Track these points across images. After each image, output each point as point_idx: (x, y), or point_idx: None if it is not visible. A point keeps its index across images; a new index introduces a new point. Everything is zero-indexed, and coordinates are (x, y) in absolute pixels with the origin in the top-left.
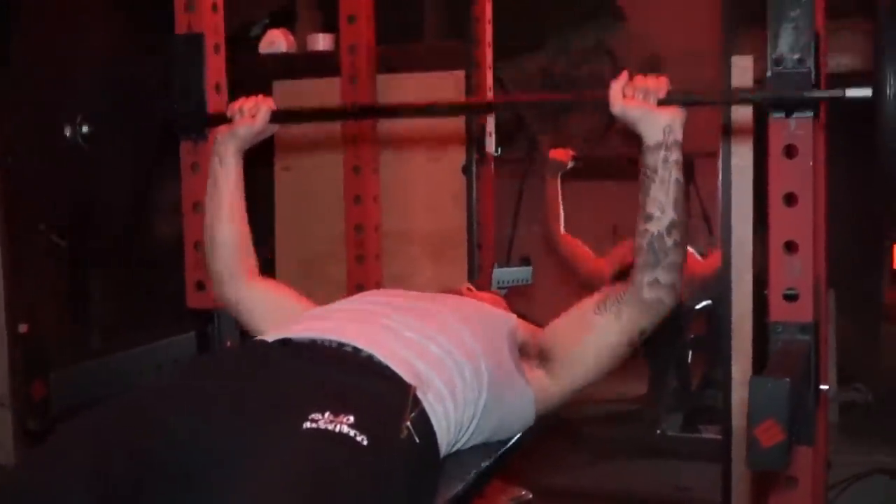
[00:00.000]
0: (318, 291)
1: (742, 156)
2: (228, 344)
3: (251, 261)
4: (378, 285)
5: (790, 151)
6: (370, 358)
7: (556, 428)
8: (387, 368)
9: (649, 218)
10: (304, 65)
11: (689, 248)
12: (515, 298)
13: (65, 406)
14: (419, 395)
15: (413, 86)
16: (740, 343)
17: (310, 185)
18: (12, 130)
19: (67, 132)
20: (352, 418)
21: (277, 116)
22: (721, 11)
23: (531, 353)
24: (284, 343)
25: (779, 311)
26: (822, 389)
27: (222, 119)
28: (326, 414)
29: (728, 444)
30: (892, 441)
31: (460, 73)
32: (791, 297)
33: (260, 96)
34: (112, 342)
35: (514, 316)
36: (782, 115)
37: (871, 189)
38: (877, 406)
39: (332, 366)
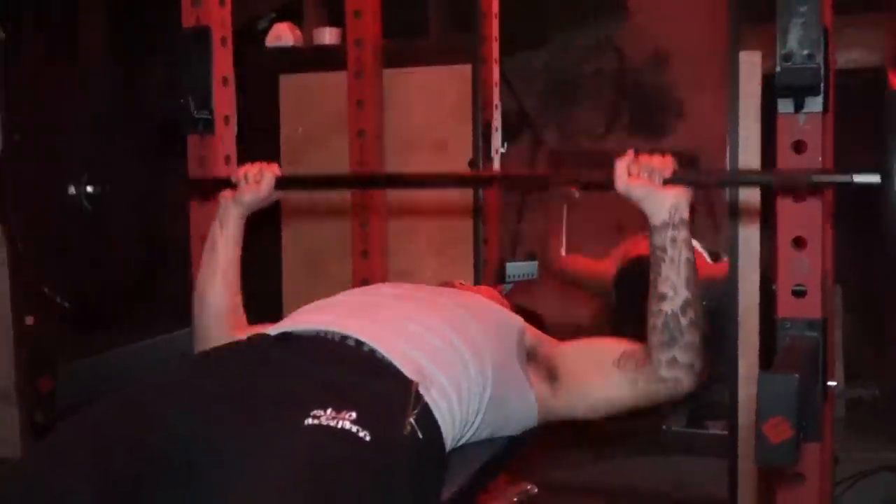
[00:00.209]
0: (321, 288)
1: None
2: None
3: (238, 317)
4: (383, 280)
5: (798, 147)
6: (372, 352)
7: (561, 423)
8: (390, 364)
9: (662, 298)
10: (310, 59)
11: (697, 247)
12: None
13: (68, 401)
14: (422, 391)
15: (419, 80)
16: (746, 338)
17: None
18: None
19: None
20: (354, 414)
21: (282, 183)
22: (728, 7)
23: (540, 363)
24: (286, 337)
25: (787, 307)
26: (829, 386)
27: (226, 184)
28: (328, 410)
29: (734, 440)
30: None
31: (466, 68)
32: (799, 293)
33: (265, 163)
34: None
35: (520, 318)
36: (790, 109)
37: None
38: (883, 402)
39: (334, 362)
